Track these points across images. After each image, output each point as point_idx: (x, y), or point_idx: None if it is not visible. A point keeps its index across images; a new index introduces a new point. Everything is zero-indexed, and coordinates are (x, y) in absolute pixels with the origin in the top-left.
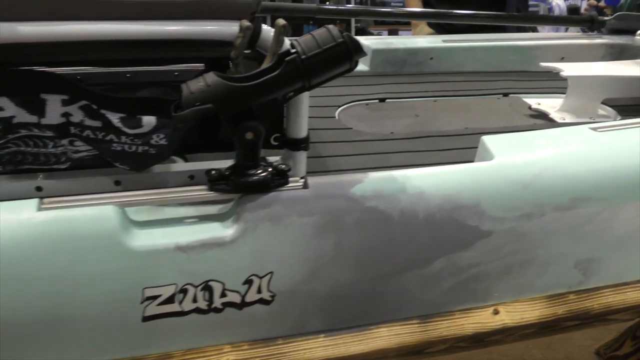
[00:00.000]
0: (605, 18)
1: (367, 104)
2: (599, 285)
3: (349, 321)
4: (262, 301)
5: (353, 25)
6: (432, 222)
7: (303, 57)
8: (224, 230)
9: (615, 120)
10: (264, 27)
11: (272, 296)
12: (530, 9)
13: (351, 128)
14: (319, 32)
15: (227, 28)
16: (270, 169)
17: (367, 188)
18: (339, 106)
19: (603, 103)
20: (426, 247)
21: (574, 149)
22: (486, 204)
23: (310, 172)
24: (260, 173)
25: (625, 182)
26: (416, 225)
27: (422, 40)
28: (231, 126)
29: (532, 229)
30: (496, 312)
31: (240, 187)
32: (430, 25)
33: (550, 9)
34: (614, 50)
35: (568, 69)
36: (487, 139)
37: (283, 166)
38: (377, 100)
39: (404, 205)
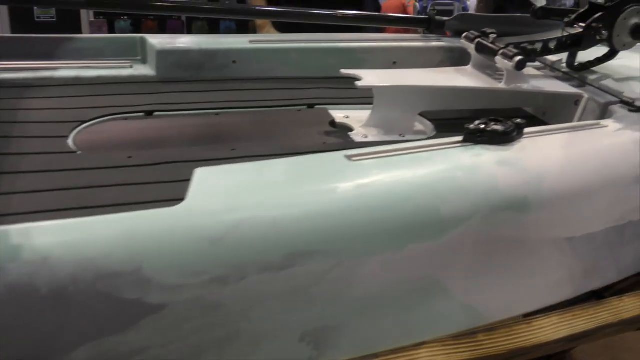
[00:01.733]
0: (445, 18)
1: (125, 119)
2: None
3: None
4: None
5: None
6: (65, 300)
7: None
8: None
9: (429, 136)
10: None
11: None
12: (445, 7)
13: (76, 152)
14: None
15: None
16: None
17: None
18: (86, 121)
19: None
20: (58, 333)
21: (302, 188)
22: (152, 268)
23: None
24: None
25: (367, 230)
26: (37, 306)
27: (224, 40)
28: None
29: (229, 297)
30: None
31: None
32: (275, 26)
33: (465, 8)
34: (454, 54)
35: (369, 77)
36: (199, 173)
37: None
38: (142, 114)
39: (14, 278)
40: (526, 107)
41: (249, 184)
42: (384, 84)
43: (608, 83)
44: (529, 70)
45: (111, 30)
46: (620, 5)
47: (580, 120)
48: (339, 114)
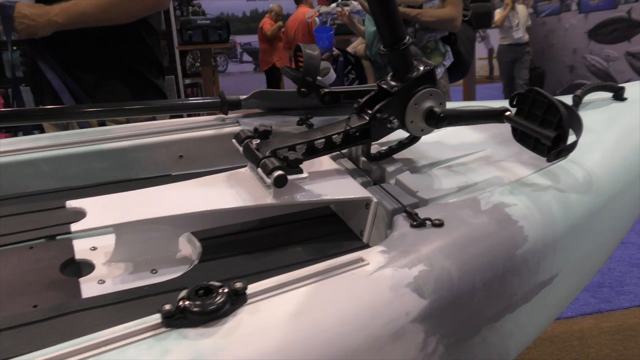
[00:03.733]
0: (243, 97)
1: None
2: None
3: None
4: None
5: None
6: None
7: None
8: None
9: (193, 262)
10: None
11: None
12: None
13: None
14: None
15: None
16: None
17: None
18: None
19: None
20: None
21: None
22: None
23: None
24: None
25: None
26: None
27: None
28: None
29: None
30: None
31: None
32: None
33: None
34: None
35: (101, 209)
36: None
37: None
38: None
39: None
40: (319, 206)
41: None
42: (114, 221)
43: (403, 178)
44: (324, 162)
45: None
46: (410, 88)
47: (373, 225)
48: (85, 245)
